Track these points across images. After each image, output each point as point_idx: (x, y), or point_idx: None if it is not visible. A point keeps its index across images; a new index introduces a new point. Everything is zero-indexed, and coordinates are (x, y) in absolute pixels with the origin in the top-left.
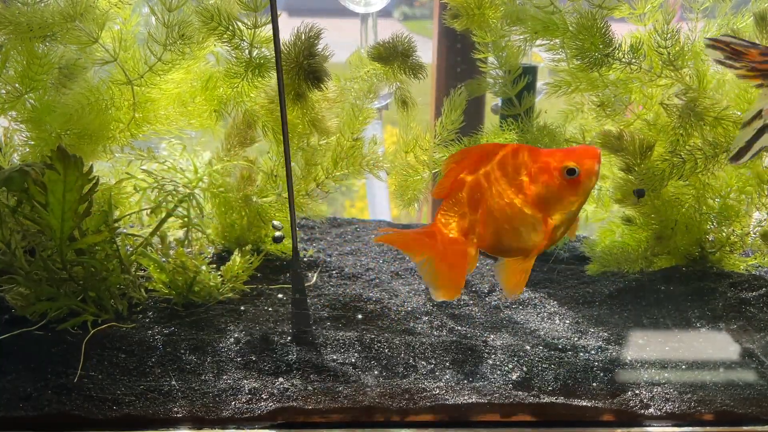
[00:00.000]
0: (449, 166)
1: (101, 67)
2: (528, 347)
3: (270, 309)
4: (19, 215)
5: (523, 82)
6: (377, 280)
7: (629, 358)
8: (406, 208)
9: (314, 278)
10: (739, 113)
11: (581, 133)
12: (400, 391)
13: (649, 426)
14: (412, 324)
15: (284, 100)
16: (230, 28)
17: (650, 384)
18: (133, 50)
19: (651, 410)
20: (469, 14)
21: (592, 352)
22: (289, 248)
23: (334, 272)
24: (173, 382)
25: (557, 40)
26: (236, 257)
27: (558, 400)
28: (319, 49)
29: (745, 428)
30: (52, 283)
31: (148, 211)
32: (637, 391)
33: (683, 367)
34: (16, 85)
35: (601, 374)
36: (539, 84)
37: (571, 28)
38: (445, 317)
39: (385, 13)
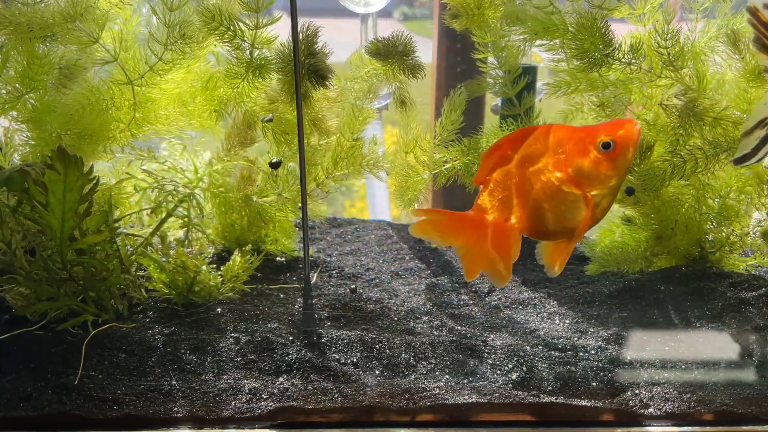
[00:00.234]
0: (488, 152)
1: (101, 67)
2: (528, 347)
3: (270, 309)
4: (19, 215)
5: (523, 82)
6: (377, 280)
7: (629, 357)
8: (406, 209)
9: (314, 278)
10: (738, 113)
11: None
12: (400, 391)
13: (649, 426)
14: (412, 324)
15: (300, 104)
16: (231, 28)
17: (650, 384)
18: (133, 50)
19: (651, 410)
20: (468, 14)
21: (592, 352)
22: (289, 248)
23: (334, 272)
24: (173, 382)
25: (557, 41)
26: (236, 257)
27: (558, 400)
28: (319, 48)
29: (744, 428)
30: (53, 283)
31: (148, 211)
32: (636, 391)
33: (683, 366)
34: (17, 85)
35: (601, 374)
36: (539, 84)
37: (571, 28)
38: (445, 317)
39: (385, 13)
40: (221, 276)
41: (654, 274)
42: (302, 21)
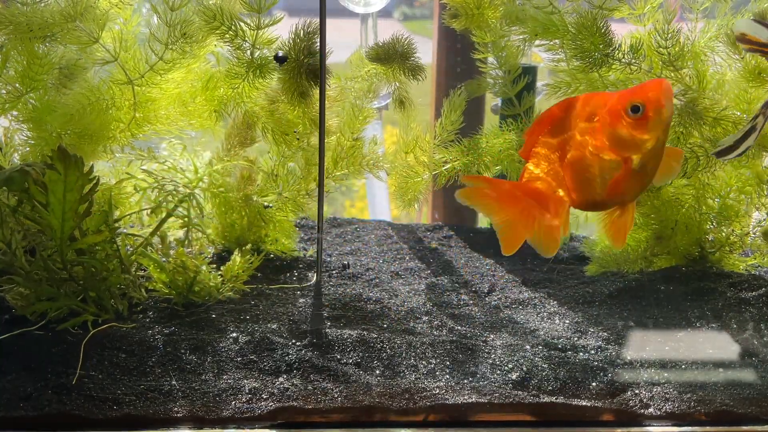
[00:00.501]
0: (531, 128)
1: (102, 67)
2: (528, 347)
3: (270, 309)
4: (19, 215)
5: (522, 83)
6: (377, 280)
7: (629, 357)
8: (407, 209)
9: (314, 278)
10: (738, 113)
11: None
12: (400, 391)
13: (649, 426)
14: (412, 324)
15: (324, 105)
16: (232, 28)
17: (650, 384)
18: (133, 50)
19: (651, 410)
20: (468, 14)
21: (592, 351)
22: (289, 248)
23: (334, 272)
24: (173, 382)
25: (557, 41)
26: (236, 257)
27: (558, 400)
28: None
29: (744, 428)
30: (52, 283)
31: (148, 211)
32: (636, 391)
33: (683, 366)
34: (17, 85)
35: (601, 374)
36: (539, 84)
37: (570, 28)
38: (445, 317)
39: (385, 13)
40: (221, 276)
41: (654, 274)
42: (302, 20)
